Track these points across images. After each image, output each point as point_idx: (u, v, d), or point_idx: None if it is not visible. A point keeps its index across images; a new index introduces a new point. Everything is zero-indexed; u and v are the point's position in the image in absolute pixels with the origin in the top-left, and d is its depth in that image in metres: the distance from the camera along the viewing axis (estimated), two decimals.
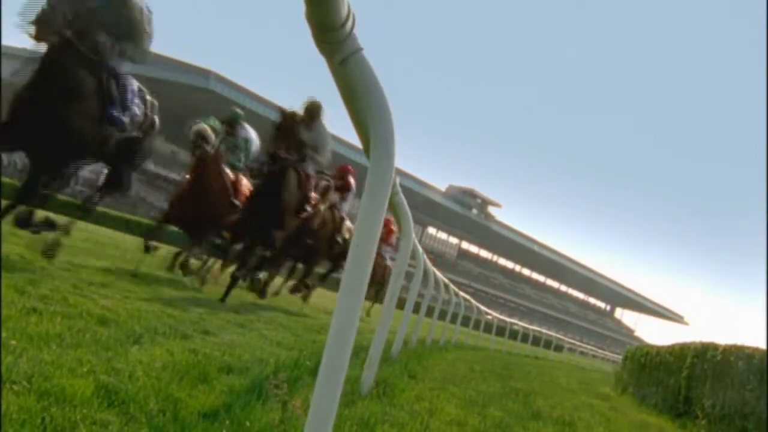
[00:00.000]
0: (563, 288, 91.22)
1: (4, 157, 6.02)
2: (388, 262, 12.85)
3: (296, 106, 7.27)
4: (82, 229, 13.38)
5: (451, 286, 9.41)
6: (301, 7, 1.45)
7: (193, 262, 7.88)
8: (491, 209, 74.20)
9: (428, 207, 61.64)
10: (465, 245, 78.15)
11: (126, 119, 5.19)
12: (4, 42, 4.63)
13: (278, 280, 9.77)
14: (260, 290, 7.98)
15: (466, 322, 14.95)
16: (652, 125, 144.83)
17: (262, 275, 7.91)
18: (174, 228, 7.68)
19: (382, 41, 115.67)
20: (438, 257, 60.52)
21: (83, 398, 1.96)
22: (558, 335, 35.42)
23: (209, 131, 7.11)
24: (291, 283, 9.89)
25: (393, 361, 5.31)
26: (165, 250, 7.64)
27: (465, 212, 69.08)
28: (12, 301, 3.13)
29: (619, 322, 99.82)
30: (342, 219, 9.43)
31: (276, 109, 7.49)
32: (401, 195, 3.36)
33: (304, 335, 5.63)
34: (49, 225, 5.36)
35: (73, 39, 4.70)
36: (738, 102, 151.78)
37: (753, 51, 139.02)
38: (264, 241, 7.21)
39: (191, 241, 7.57)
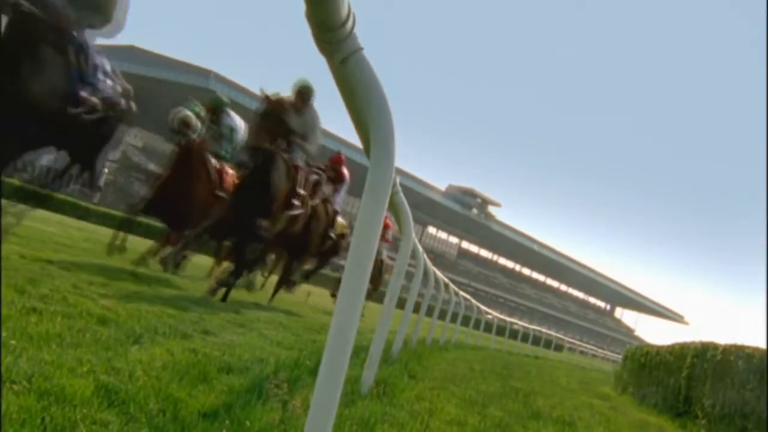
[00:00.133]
0: (563, 287, 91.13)
1: None
2: (383, 256, 12.81)
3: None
4: (83, 228, 13.42)
5: (451, 285, 9.42)
6: (301, 7, 1.45)
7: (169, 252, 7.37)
8: (491, 209, 74.09)
9: (428, 206, 61.50)
10: (465, 245, 78.02)
11: (94, 99, 4.60)
12: None
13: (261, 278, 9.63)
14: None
15: (466, 321, 14.95)
16: (652, 125, 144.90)
17: (256, 276, 7.71)
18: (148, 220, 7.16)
19: (382, 41, 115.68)
20: (438, 257, 60.59)
21: (83, 398, 1.96)
22: (558, 335, 35.50)
23: (194, 118, 6.73)
24: (274, 277, 9.43)
25: (393, 360, 5.31)
26: (133, 248, 7.28)
27: (465, 212, 68.95)
28: (12, 301, 3.12)
29: (619, 322, 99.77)
30: (335, 213, 8.93)
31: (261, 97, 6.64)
32: (401, 194, 3.36)
33: (304, 335, 5.62)
34: None
35: (32, 7, 4.14)
36: (738, 102, 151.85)
37: (753, 51, 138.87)
38: (249, 237, 6.75)
39: (172, 233, 7.18)
